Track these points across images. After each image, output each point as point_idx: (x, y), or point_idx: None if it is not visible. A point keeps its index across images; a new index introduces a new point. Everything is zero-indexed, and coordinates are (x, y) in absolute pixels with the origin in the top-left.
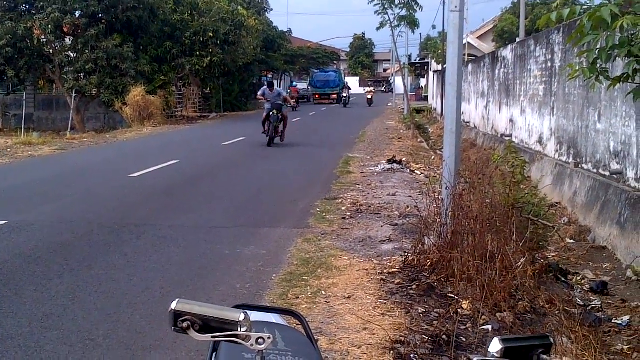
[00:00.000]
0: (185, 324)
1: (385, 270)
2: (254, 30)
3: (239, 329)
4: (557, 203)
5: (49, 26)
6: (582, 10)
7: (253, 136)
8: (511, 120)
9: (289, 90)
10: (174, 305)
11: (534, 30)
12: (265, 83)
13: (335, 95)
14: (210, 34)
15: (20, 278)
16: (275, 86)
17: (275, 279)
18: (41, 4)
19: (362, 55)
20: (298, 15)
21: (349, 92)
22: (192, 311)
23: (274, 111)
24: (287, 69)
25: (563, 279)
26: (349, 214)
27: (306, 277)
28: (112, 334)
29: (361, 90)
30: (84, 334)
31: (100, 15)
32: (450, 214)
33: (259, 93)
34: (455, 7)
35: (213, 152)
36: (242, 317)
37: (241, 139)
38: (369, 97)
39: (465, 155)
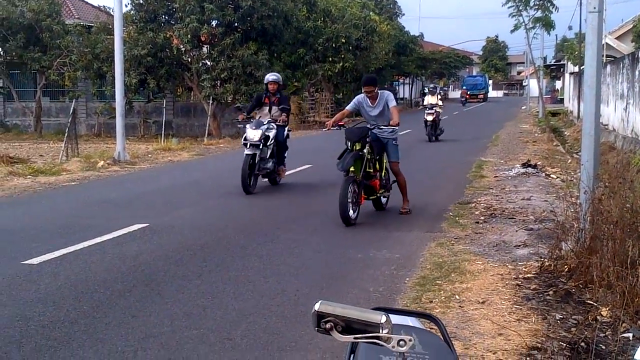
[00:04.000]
0: (328, 325)
1: (520, 276)
2: (385, 35)
3: (381, 331)
4: None
5: (187, 36)
6: None
7: None
8: None
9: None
10: (317, 307)
11: None
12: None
13: (482, 96)
14: (343, 40)
15: (162, 279)
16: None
17: (409, 283)
18: (180, 14)
19: (495, 58)
20: (429, 19)
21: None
22: (335, 312)
23: (356, 144)
24: (418, 73)
25: None
26: (482, 218)
27: (439, 281)
28: (249, 334)
29: (494, 94)
30: (223, 333)
31: (236, 24)
32: (588, 218)
33: (348, 107)
34: (594, 7)
35: None
36: (383, 319)
37: None
38: (429, 118)
39: (603, 159)
